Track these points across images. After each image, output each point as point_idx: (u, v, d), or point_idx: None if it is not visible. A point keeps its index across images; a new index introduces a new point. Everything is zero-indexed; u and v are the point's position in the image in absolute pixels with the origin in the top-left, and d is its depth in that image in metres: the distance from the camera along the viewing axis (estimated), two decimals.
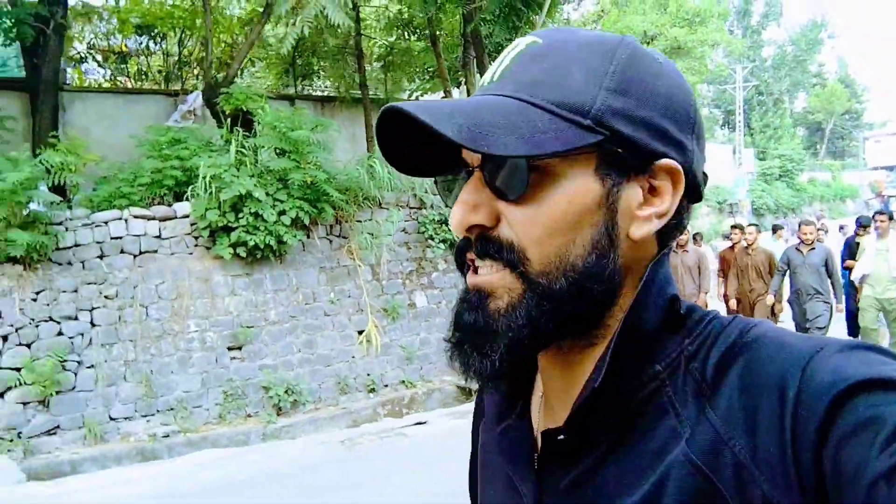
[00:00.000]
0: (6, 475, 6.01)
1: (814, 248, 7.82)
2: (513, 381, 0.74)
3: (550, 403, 0.69)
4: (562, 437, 0.63)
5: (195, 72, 11.87)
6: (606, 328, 0.63)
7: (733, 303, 8.51)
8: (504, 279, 0.61)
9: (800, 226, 8.14)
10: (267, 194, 8.17)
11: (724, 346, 0.58)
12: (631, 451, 0.59)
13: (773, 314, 8.09)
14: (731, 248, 8.90)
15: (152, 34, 11.01)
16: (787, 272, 8.03)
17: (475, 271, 0.64)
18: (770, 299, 8.05)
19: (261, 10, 10.27)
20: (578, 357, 0.64)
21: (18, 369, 6.77)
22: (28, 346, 6.90)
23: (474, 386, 0.67)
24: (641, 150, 0.61)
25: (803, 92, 65.55)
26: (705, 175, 0.68)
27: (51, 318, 7.08)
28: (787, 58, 61.43)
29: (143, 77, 11.85)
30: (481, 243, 0.62)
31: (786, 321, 8.29)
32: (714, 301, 9.37)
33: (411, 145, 0.65)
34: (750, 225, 8.61)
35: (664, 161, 0.62)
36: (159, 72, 11.71)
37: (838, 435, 0.47)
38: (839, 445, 0.47)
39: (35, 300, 7.03)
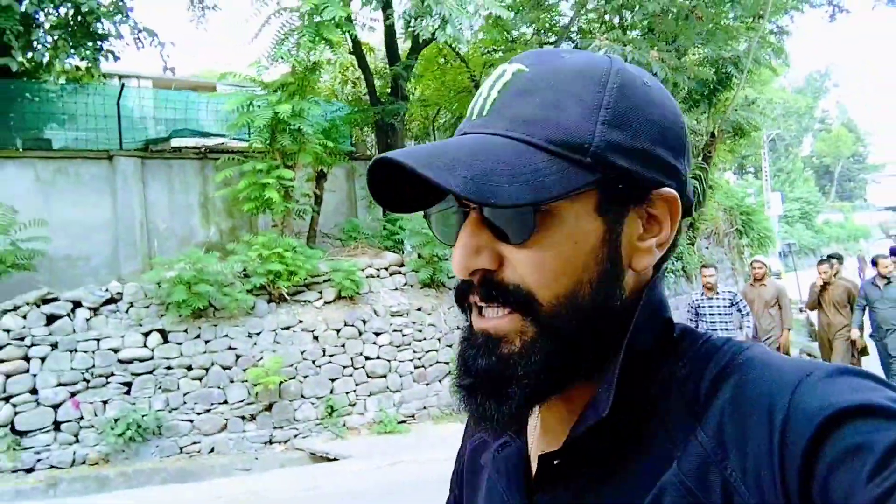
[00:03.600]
0: None
1: (891, 282, 7.65)
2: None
3: (548, 425, 0.68)
4: (557, 461, 0.62)
5: None
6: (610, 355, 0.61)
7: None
8: (514, 323, 0.60)
9: (875, 260, 7.98)
10: None
11: (717, 369, 0.58)
12: (623, 474, 0.59)
13: (855, 348, 7.94)
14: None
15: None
16: (866, 307, 7.80)
17: (480, 313, 0.63)
18: (854, 333, 7.86)
19: None
20: (579, 381, 0.62)
21: (447, 363, 9.43)
22: (450, 346, 9.56)
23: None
24: (640, 182, 0.61)
25: (809, 137, 69.22)
26: (695, 191, 0.67)
27: (458, 328, 9.77)
28: (794, 105, 64.98)
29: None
30: (485, 287, 0.61)
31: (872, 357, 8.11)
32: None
33: (399, 185, 0.63)
34: (824, 260, 8.36)
35: (662, 190, 0.62)
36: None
37: (826, 462, 0.47)
38: (828, 473, 0.47)
39: (448, 311, 9.73)
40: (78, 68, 9.55)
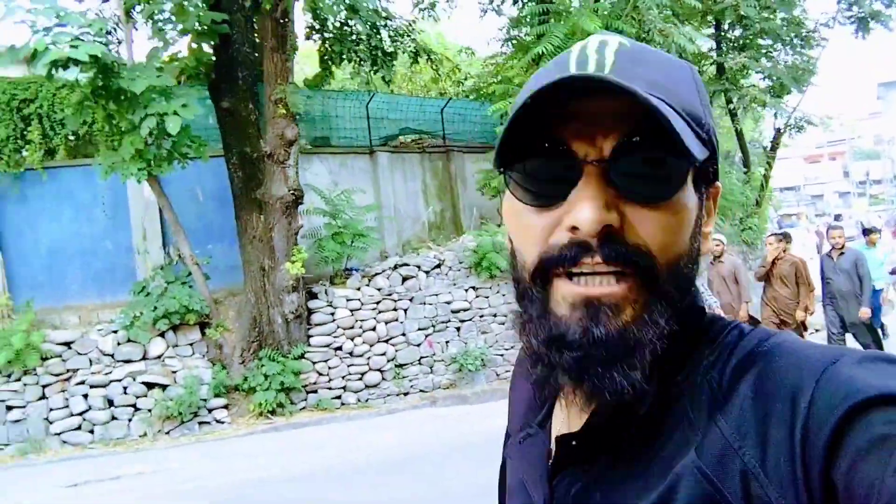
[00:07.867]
0: None
1: (843, 253, 7.88)
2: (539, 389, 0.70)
3: (569, 411, 0.66)
4: (575, 442, 0.63)
5: None
6: None
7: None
8: (627, 290, 0.58)
9: (828, 231, 8.19)
10: None
11: (742, 355, 0.57)
12: (641, 459, 0.58)
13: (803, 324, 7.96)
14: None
15: None
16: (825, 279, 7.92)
17: (571, 279, 0.59)
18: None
19: None
20: None
21: None
22: None
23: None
24: (713, 170, 0.63)
25: None
26: None
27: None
28: None
29: None
30: (611, 247, 0.57)
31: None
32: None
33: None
34: (771, 235, 8.42)
35: (717, 184, 0.65)
36: None
37: (851, 451, 0.46)
38: (852, 462, 0.46)
39: None
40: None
